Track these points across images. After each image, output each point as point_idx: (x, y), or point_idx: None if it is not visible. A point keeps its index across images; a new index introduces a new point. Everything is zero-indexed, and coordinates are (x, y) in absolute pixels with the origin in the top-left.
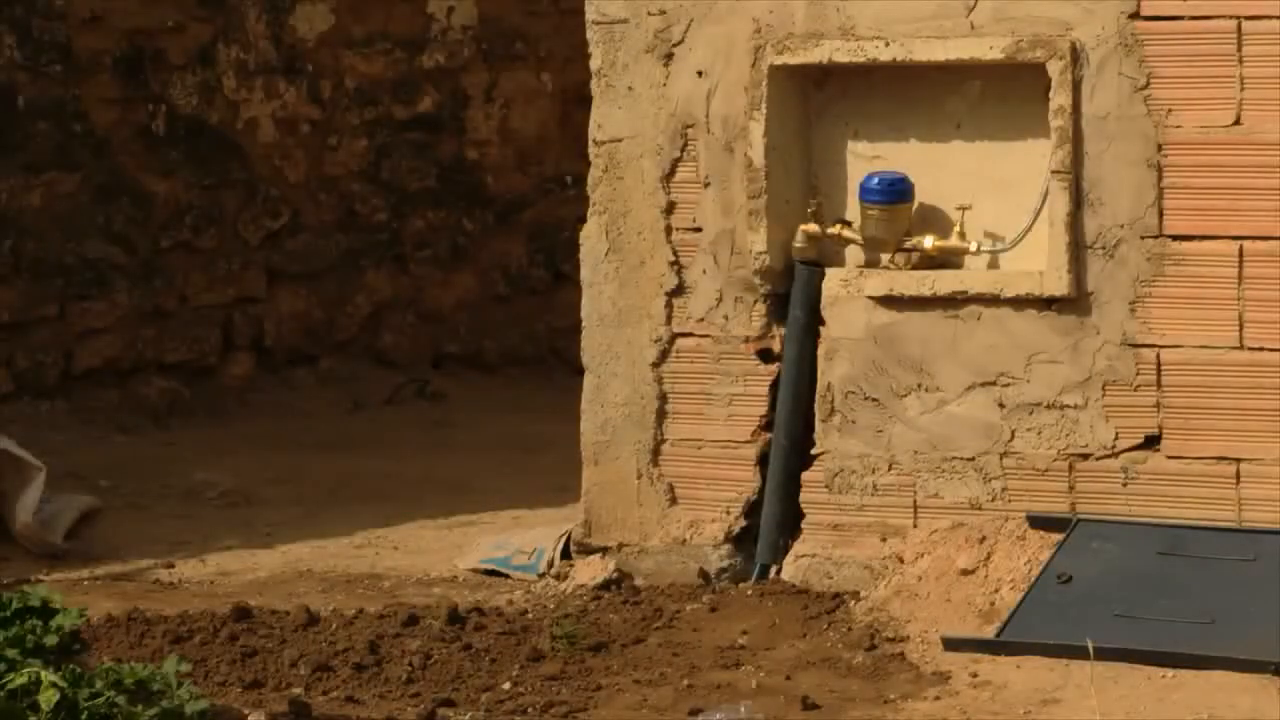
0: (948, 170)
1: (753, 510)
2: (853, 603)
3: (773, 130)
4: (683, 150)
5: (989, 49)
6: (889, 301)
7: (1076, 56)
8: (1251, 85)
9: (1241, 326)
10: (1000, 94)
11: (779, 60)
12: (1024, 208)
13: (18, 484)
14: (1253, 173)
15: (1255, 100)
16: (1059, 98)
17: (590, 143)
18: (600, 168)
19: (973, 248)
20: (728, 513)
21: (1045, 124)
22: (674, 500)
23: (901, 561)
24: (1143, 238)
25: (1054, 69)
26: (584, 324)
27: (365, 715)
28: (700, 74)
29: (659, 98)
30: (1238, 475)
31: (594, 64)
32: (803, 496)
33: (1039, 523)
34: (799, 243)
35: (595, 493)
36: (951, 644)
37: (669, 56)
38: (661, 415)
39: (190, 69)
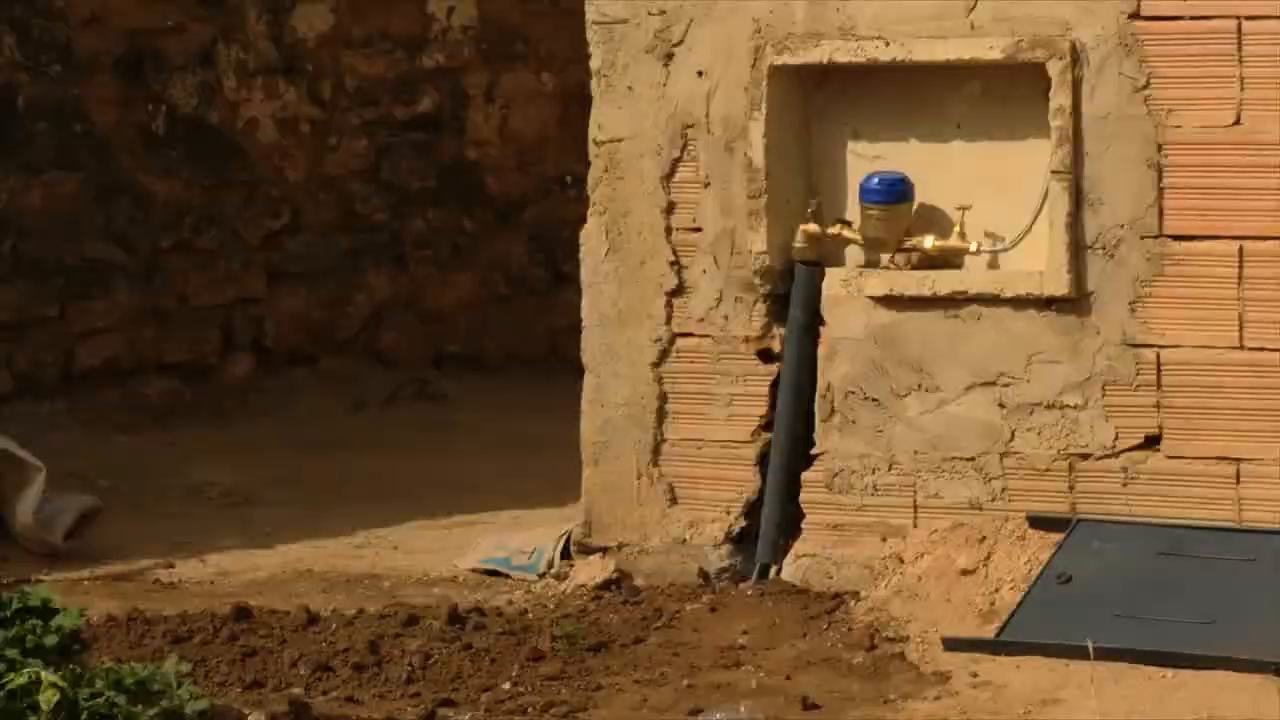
0: (948, 170)
1: (753, 510)
2: (853, 603)
3: (773, 130)
4: (683, 150)
5: (989, 49)
6: (889, 301)
7: (1076, 56)
8: (1251, 85)
9: (1241, 326)
10: (1000, 94)
11: (779, 60)
12: (1024, 208)
13: (18, 484)
14: (1253, 173)
15: (1255, 100)
16: (1059, 98)
17: (590, 143)
18: (600, 168)
19: (973, 248)
20: (728, 513)
21: (1045, 124)
22: (674, 500)
23: (901, 561)
24: (1143, 238)
25: (1054, 69)
26: (584, 324)
27: (365, 715)
28: (700, 74)
29: (659, 98)
30: (1238, 475)
31: (594, 64)
32: (803, 496)
33: (1039, 523)
34: (799, 243)
35: (595, 493)
36: (951, 644)
37: (669, 56)
38: (662, 415)
39: (190, 69)
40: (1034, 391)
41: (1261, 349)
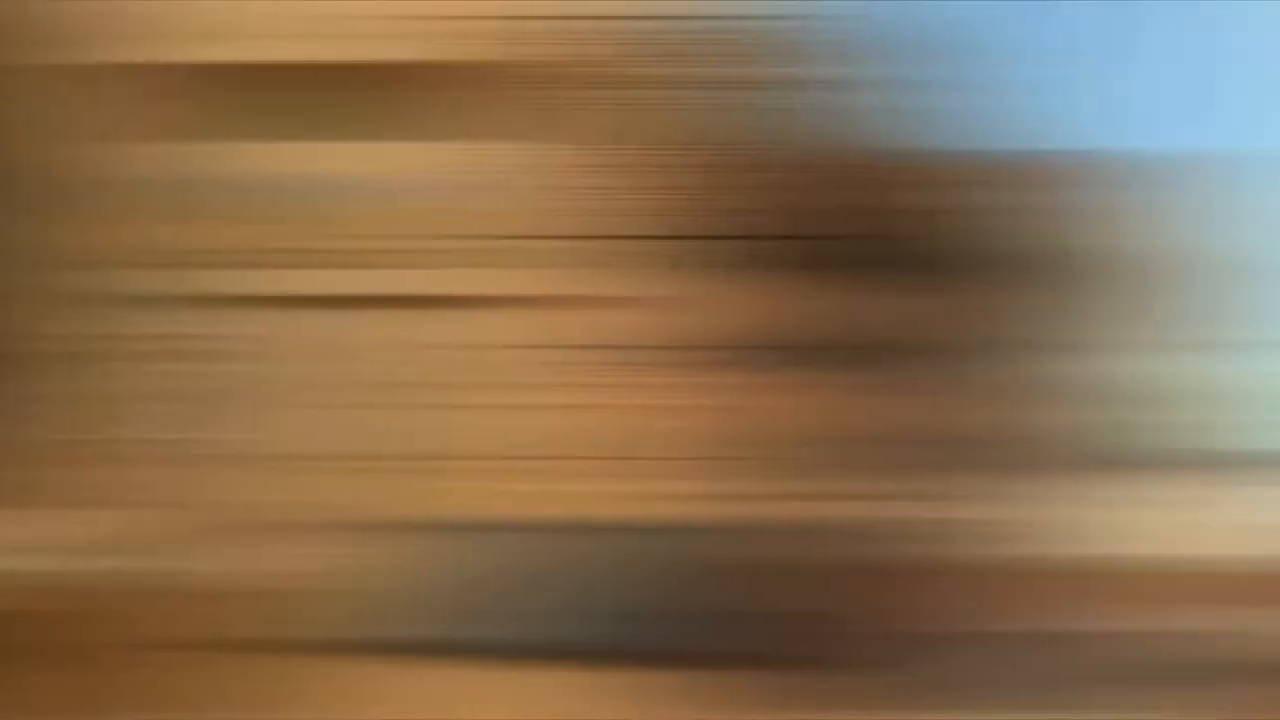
0: (333, 171)
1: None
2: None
3: (130, 136)
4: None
5: (385, 49)
6: (267, 301)
7: (478, 60)
8: None
9: None
10: (407, 94)
11: (152, 58)
12: (419, 210)
13: None
14: None
15: None
16: (462, 98)
17: None
18: None
19: (364, 249)
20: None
21: (457, 125)
22: (80, 504)
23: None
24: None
25: (446, 74)
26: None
27: None
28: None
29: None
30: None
31: None
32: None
33: (408, 526)
34: (167, 250)
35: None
36: (313, 646)
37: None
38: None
39: None
40: (420, 392)
41: None
